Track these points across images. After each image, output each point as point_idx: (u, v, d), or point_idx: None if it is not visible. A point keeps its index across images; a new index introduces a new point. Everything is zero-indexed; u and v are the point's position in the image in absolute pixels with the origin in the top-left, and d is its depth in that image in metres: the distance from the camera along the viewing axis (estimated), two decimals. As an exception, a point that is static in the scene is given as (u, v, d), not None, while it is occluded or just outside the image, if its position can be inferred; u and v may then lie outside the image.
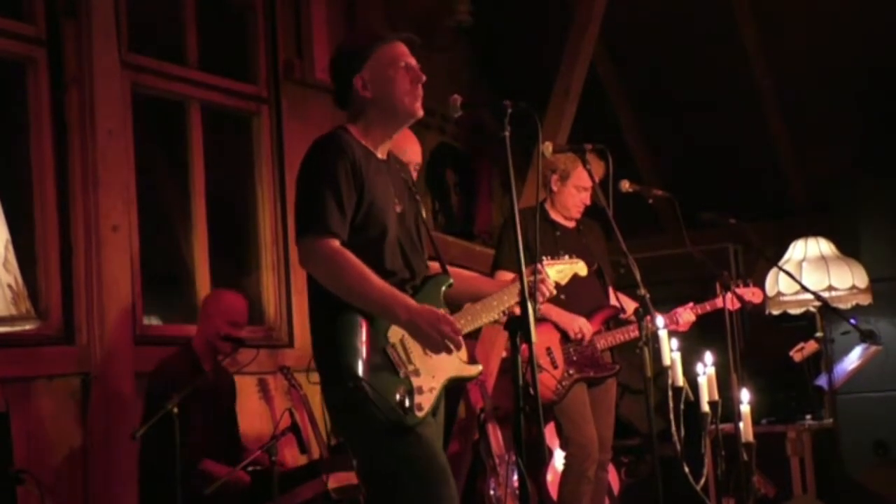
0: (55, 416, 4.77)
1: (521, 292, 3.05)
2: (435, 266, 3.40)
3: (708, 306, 5.14)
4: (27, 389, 4.68)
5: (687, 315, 5.08)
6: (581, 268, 3.80)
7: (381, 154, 3.30)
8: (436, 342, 3.03)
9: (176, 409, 4.22)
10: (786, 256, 6.78)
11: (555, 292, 3.50)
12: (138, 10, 5.47)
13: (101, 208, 5.01)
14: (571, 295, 4.56)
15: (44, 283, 4.90)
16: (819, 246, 6.68)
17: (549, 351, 4.96)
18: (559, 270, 3.67)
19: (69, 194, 4.98)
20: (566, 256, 3.78)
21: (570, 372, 4.97)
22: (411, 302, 3.05)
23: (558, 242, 5.01)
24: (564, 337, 5.01)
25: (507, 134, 3.11)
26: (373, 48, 3.26)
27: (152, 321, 5.53)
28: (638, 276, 4.08)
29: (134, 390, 4.96)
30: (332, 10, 6.51)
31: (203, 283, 5.72)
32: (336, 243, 3.06)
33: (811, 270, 6.52)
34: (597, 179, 4.81)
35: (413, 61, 3.29)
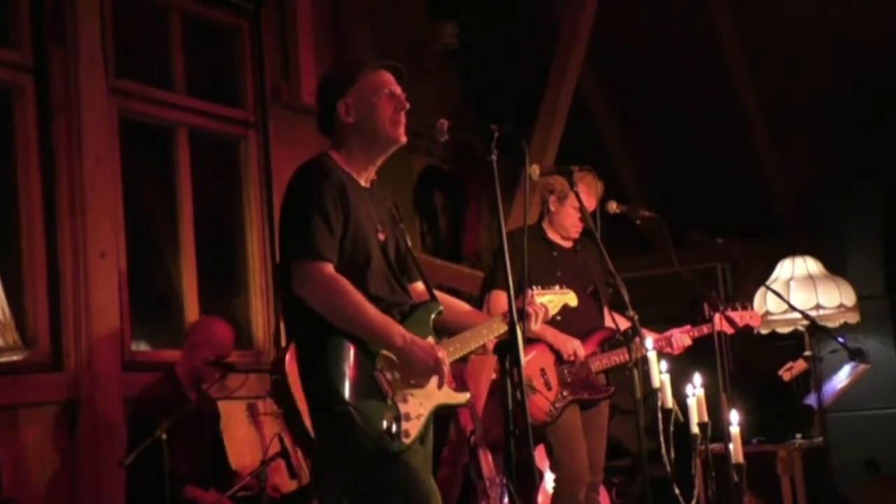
0: (43, 443, 4.74)
1: (510, 313, 3.06)
2: (421, 291, 3.40)
3: (705, 329, 5.11)
4: (14, 417, 4.66)
5: (682, 339, 5.06)
6: (571, 298, 3.82)
7: (364, 181, 3.30)
8: (425, 372, 3.06)
9: (164, 436, 4.21)
10: (773, 275, 6.79)
11: (548, 316, 3.50)
12: (125, 35, 5.48)
13: (89, 234, 4.99)
14: (567, 316, 4.55)
15: (31, 309, 4.87)
16: (806, 265, 6.71)
17: (543, 372, 4.94)
18: (549, 300, 3.68)
19: (56, 220, 4.96)
20: (557, 286, 3.81)
21: (564, 394, 4.94)
22: (406, 331, 3.06)
23: (555, 263, 5.00)
24: (559, 358, 4.99)
25: (494, 158, 3.12)
26: (357, 74, 3.27)
27: (141, 346, 5.51)
28: (626, 297, 4.09)
29: (122, 417, 4.94)
30: (318, 35, 6.52)
31: (192, 307, 5.71)
32: (330, 268, 3.06)
33: (799, 289, 6.54)
34: (595, 199, 4.83)
35: (398, 90, 3.29)
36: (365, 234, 3.19)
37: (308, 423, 3.93)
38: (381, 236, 3.27)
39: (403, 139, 3.29)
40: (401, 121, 3.26)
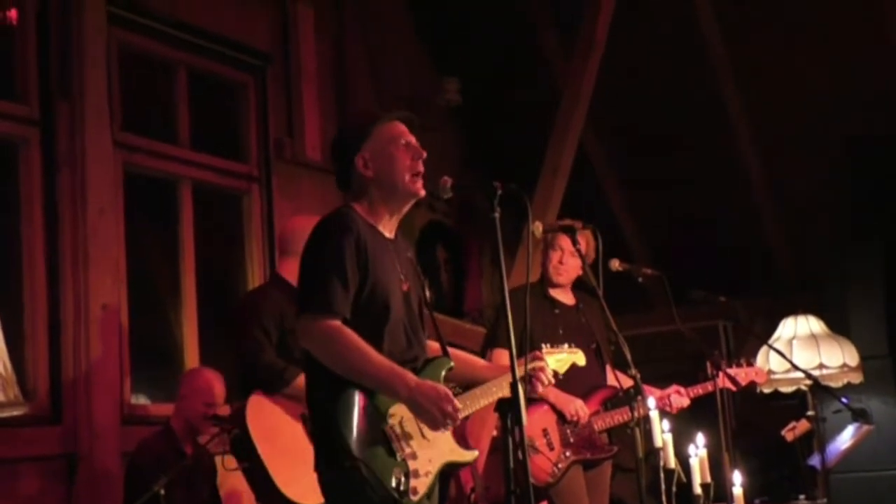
0: (41, 496, 4.71)
1: (513, 372, 3.05)
2: (435, 347, 3.40)
3: (700, 389, 5.08)
4: (13, 470, 4.63)
5: (679, 401, 5.02)
6: (580, 358, 3.82)
7: (388, 233, 3.32)
8: (435, 419, 3.03)
9: (163, 491, 4.18)
10: (776, 334, 6.77)
11: (553, 382, 3.49)
12: (131, 89, 5.52)
13: (91, 286, 5.00)
14: (569, 374, 4.53)
15: (31, 361, 4.86)
16: (809, 324, 6.68)
17: (545, 432, 4.89)
18: (558, 359, 3.69)
19: (59, 272, 4.97)
20: (566, 345, 3.79)
21: (567, 454, 4.88)
22: (412, 378, 3.05)
23: (557, 321, 4.97)
24: (561, 418, 4.94)
25: (496, 215, 3.13)
26: (372, 127, 3.30)
27: (140, 400, 5.49)
28: (628, 356, 4.07)
29: (120, 470, 4.90)
30: (322, 90, 6.58)
31: (192, 361, 5.69)
32: (337, 322, 3.05)
33: (801, 348, 6.50)
34: (587, 254, 4.80)
35: (413, 139, 3.32)
36: (385, 288, 3.19)
37: (274, 476, 3.95)
38: (405, 286, 3.28)
39: (422, 192, 3.30)
40: (419, 171, 3.28)
